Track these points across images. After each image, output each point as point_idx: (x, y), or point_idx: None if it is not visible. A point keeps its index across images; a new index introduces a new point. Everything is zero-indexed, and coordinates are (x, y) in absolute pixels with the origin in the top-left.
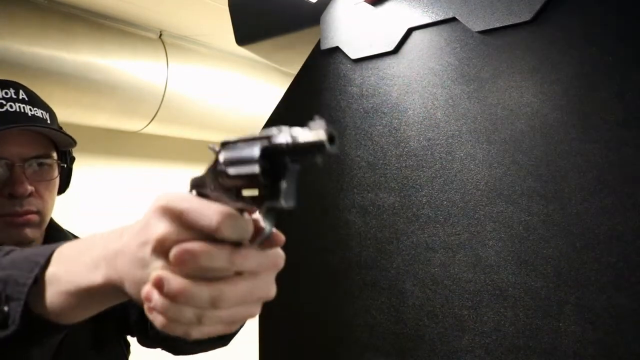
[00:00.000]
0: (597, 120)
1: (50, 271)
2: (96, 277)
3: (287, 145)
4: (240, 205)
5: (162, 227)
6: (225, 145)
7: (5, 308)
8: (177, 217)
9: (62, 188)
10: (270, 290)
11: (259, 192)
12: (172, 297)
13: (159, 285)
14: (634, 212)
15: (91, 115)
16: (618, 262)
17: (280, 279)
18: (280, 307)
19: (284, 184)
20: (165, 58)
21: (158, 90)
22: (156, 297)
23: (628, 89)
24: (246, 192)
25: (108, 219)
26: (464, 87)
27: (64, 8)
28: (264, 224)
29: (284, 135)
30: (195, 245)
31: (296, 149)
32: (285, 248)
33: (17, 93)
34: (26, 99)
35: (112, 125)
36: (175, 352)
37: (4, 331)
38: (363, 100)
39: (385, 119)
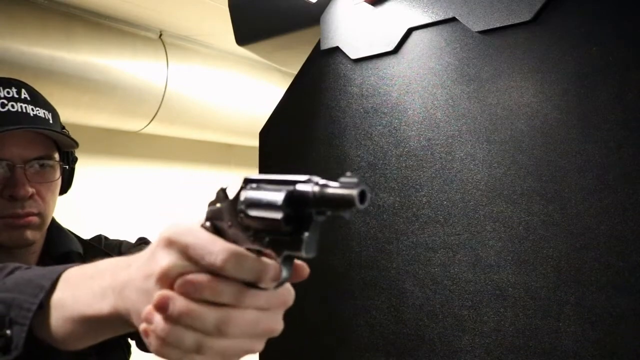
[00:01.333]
0: (597, 120)
1: (56, 296)
2: (103, 307)
3: (314, 195)
4: (256, 247)
5: (166, 260)
6: (248, 182)
7: (8, 332)
8: (182, 250)
9: (64, 189)
10: (277, 326)
11: (279, 237)
12: (175, 317)
13: (162, 305)
14: (634, 212)
15: (91, 115)
16: (618, 262)
17: None
18: None
19: (306, 235)
20: (165, 58)
21: (158, 90)
22: (157, 319)
23: (628, 89)
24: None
25: (108, 219)
26: (464, 87)
27: (64, 8)
28: (282, 271)
29: (311, 185)
30: (200, 278)
31: (323, 201)
32: None
33: (19, 92)
34: (28, 98)
35: (112, 125)
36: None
37: (6, 356)
38: (363, 100)
39: (385, 119)
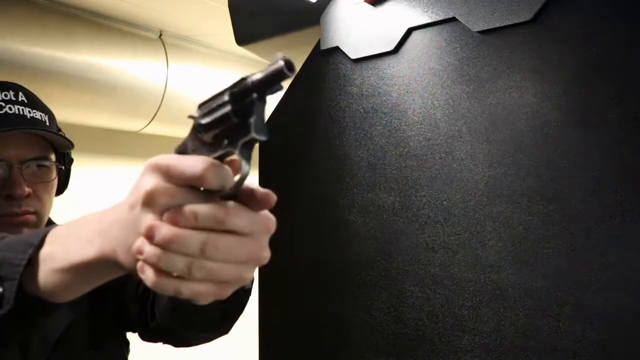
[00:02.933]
0: (597, 120)
1: (45, 250)
2: (89, 252)
3: (252, 82)
4: (218, 153)
5: (150, 182)
6: (201, 105)
7: (0, 289)
8: (164, 171)
9: (60, 189)
10: (262, 251)
11: (233, 134)
12: (162, 244)
13: (150, 234)
14: (634, 212)
15: (91, 115)
16: (618, 262)
17: (281, 278)
18: (280, 307)
19: (252, 119)
20: (165, 58)
21: (158, 90)
22: (147, 248)
23: (628, 89)
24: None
25: None
26: (464, 87)
27: (64, 8)
28: (242, 164)
29: (246, 79)
30: (185, 207)
31: (260, 83)
32: (285, 248)
33: (16, 95)
34: (25, 101)
35: (112, 125)
36: (176, 344)
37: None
38: (363, 100)
39: (385, 119)
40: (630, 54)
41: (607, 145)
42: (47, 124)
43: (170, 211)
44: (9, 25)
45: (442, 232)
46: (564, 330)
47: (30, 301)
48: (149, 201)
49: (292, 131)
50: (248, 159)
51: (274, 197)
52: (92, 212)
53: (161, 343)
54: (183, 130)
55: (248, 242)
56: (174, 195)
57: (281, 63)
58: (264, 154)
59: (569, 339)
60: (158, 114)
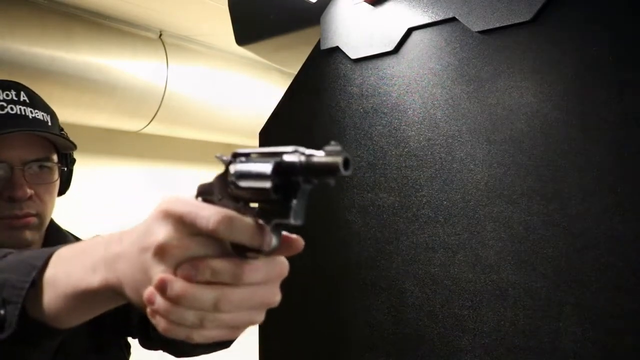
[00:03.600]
0: (597, 120)
1: (48, 274)
2: (94, 280)
3: (301, 164)
4: (247, 217)
5: (162, 233)
6: (237, 156)
7: (2, 311)
8: (177, 221)
9: (62, 190)
10: (274, 297)
11: (268, 207)
12: (174, 299)
13: (161, 287)
14: (634, 212)
15: (91, 115)
16: (618, 262)
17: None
18: (280, 307)
19: (294, 202)
20: (165, 58)
21: (158, 90)
22: (159, 300)
23: (628, 89)
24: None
25: (108, 219)
26: (464, 87)
27: (64, 8)
28: (273, 239)
29: (297, 155)
30: (200, 262)
31: (309, 170)
32: None
33: (18, 95)
34: (27, 101)
35: (112, 125)
36: (177, 354)
37: (1, 334)
38: (363, 100)
39: (385, 119)
40: (630, 54)
41: (607, 145)
42: (49, 124)
43: (185, 266)
44: (9, 25)
45: (442, 232)
46: (564, 330)
47: (33, 325)
48: (161, 253)
49: (292, 131)
50: (279, 236)
51: (302, 244)
52: (97, 236)
53: (161, 351)
54: (183, 131)
55: (261, 291)
56: (188, 248)
57: (339, 160)
58: None
59: (569, 339)
60: (158, 114)
